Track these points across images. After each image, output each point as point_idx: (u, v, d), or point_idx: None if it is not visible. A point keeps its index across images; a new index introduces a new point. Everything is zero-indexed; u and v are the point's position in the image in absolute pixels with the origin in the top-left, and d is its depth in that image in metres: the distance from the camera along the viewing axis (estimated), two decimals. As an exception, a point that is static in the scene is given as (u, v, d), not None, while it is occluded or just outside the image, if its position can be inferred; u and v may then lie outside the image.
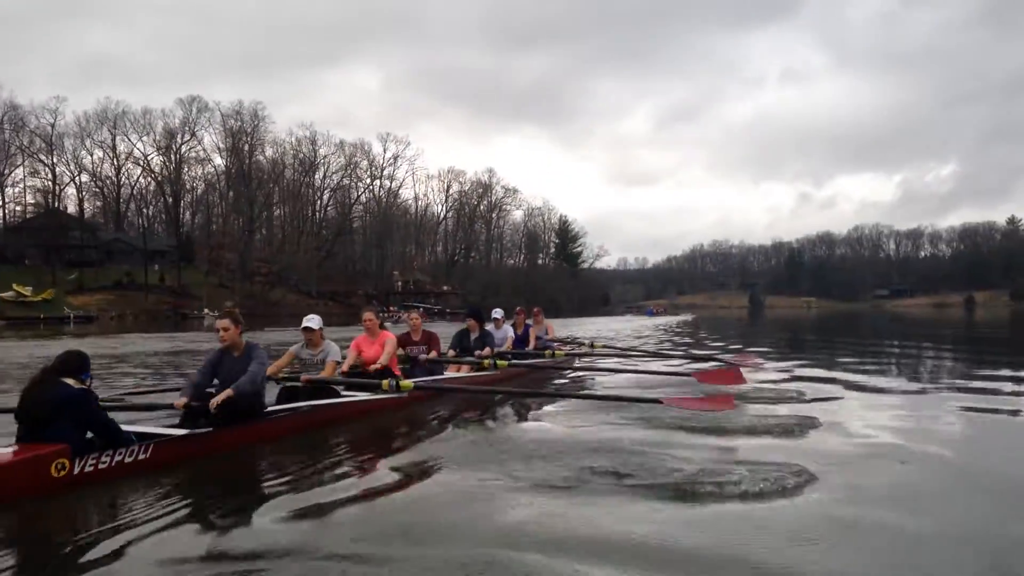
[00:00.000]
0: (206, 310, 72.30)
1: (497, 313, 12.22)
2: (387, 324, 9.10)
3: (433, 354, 9.86)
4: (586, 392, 9.25)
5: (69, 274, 79.02)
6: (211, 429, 5.77)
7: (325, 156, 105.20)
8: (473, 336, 11.06)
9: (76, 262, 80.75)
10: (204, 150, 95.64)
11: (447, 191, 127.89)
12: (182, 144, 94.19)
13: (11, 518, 4.26)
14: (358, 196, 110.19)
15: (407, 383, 7.34)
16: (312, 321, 7.61)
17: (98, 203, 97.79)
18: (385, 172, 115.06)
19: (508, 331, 12.10)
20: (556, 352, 12.05)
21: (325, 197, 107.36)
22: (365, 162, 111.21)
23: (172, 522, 4.14)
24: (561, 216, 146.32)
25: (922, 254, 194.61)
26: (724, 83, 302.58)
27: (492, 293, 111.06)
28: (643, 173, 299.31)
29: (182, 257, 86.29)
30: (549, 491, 4.67)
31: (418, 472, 5.40)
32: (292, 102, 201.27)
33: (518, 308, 13.51)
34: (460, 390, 8.54)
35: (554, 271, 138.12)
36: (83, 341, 26.85)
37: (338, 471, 5.48)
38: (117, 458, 5.00)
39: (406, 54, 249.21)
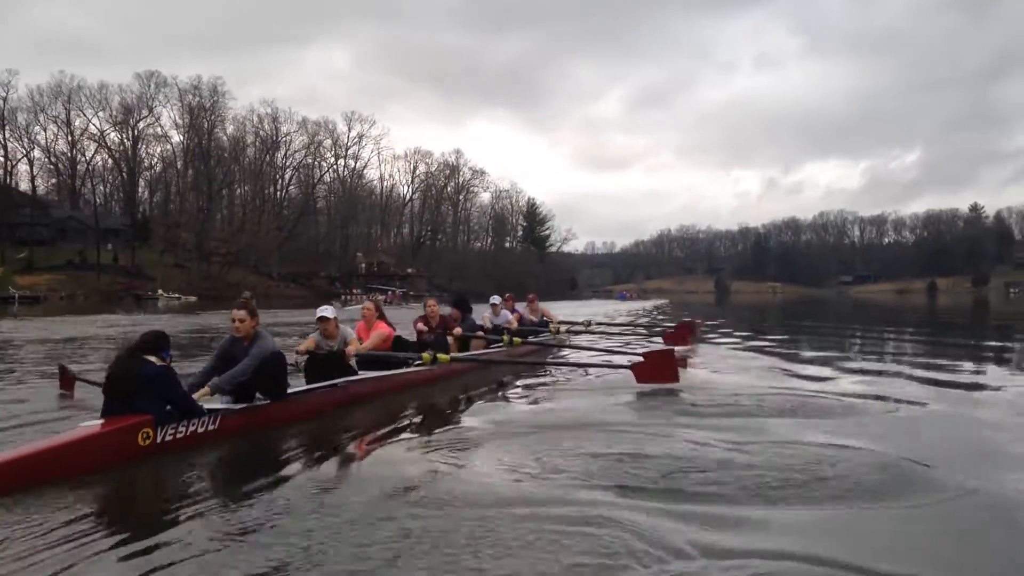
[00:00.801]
0: (160, 291, 70.24)
1: (495, 299, 12.83)
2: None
3: (457, 331, 10.39)
4: (573, 361, 10.12)
5: (19, 252, 76.32)
6: (269, 402, 6.19)
7: (287, 134, 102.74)
8: (493, 322, 11.92)
9: (27, 240, 78.07)
10: (162, 127, 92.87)
11: (413, 172, 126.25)
12: (139, 120, 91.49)
13: (105, 484, 4.49)
14: (321, 175, 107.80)
15: (444, 356, 8.16)
16: (327, 311, 7.81)
17: (52, 180, 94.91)
18: (350, 152, 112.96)
19: (507, 315, 12.72)
20: (558, 329, 13.78)
21: (287, 176, 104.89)
22: (329, 141, 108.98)
23: (240, 487, 4.40)
24: (529, 199, 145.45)
25: (886, 240, 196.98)
26: (697, 68, 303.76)
27: (459, 276, 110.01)
28: (613, 157, 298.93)
29: (138, 236, 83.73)
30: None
31: (448, 443, 5.66)
32: (261, 81, 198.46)
33: (507, 295, 14.20)
34: (489, 361, 9.52)
35: (521, 254, 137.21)
36: (15, 324, 25.30)
37: (372, 440, 5.93)
38: (191, 428, 5.37)
39: (378, 33, 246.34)
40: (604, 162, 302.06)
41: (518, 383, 9.08)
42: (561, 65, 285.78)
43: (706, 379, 8.99)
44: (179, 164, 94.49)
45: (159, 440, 5.12)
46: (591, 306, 51.94)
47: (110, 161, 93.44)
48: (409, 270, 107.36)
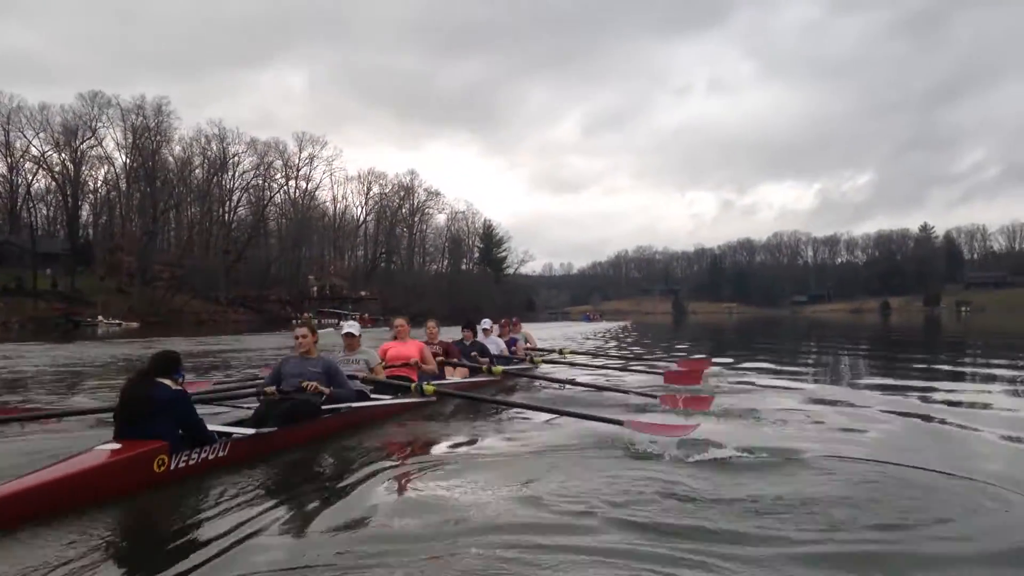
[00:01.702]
0: (100, 317, 66.98)
1: (486, 324, 12.89)
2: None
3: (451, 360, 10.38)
4: (562, 408, 8.52)
5: (-51, 278, 72.41)
6: (275, 429, 6.14)
7: (235, 155, 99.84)
8: (467, 344, 11.64)
9: (-41, 266, 74.12)
10: (103, 149, 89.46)
11: (367, 193, 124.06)
12: (82, 142, 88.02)
13: (120, 511, 4.45)
14: (271, 196, 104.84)
15: (430, 387, 7.97)
16: (352, 327, 8.33)
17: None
18: (301, 173, 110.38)
19: (499, 342, 12.79)
20: (535, 359, 13.41)
21: (236, 198, 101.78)
22: (279, 162, 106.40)
23: (252, 513, 4.42)
24: (485, 220, 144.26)
25: (839, 260, 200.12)
26: (653, 91, 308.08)
27: (415, 299, 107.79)
28: (571, 179, 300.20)
29: (80, 261, 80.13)
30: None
31: (447, 471, 5.58)
32: (214, 104, 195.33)
33: (503, 320, 14.60)
34: (474, 399, 8.88)
35: (478, 276, 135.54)
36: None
37: (378, 466, 5.79)
38: (203, 455, 5.30)
39: (333, 56, 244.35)
40: (562, 184, 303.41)
41: (513, 414, 8.61)
42: (518, 88, 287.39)
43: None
44: (123, 186, 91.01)
45: (172, 467, 5.07)
46: (558, 328, 50.70)
47: (55, 184, 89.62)
48: (363, 293, 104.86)
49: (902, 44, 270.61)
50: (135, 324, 64.74)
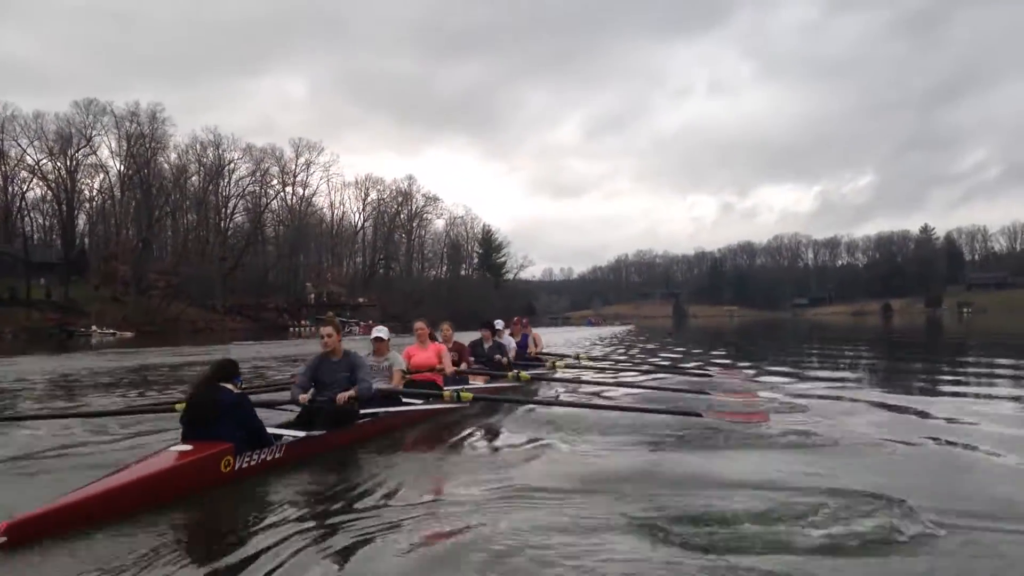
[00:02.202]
0: (94, 327, 66.24)
1: (499, 324, 12.73)
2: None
3: (464, 365, 10.44)
4: (627, 404, 8.82)
5: (-57, 290, 71.70)
6: (323, 432, 6.40)
7: (231, 161, 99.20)
8: (487, 345, 11.75)
9: (-48, 277, 73.38)
10: (98, 157, 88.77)
11: (365, 199, 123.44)
12: (78, 150, 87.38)
13: (191, 508, 4.70)
14: (267, 203, 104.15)
15: (467, 394, 7.89)
16: (382, 332, 8.52)
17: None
18: (298, 179, 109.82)
19: (510, 341, 12.71)
20: (555, 364, 13.37)
21: (231, 205, 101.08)
22: (276, 168, 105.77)
23: (310, 512, 4.68)
24: (484, 225, 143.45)
25: (839, 263, 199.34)
26: (653, 94, 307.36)
27: (413, 305, 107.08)
28: (571, 183, 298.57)
29: (75, 271, 79.44)
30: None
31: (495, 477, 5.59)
32: (212, 111, 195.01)
33: (515, 319, 14.52)
34: (513, 401, 9.30)
35: (477, 282, 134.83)
36: None
37: (420, 467, 6.15)
38: (262, 456, 5.62)
39: (333, 61, 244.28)
40: (562, 188, 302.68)
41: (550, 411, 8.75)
42: (517, 92, 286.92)
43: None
44: (117, 194, 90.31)
45: (237, 467, 5.32)
46: (563, 333, 50.06)
47: (50, 193, 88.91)
48: (361, 300, 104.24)
49: (901, 44, 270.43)
50: (129, 334, 64.00)
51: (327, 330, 7.23)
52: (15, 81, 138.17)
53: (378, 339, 8.43)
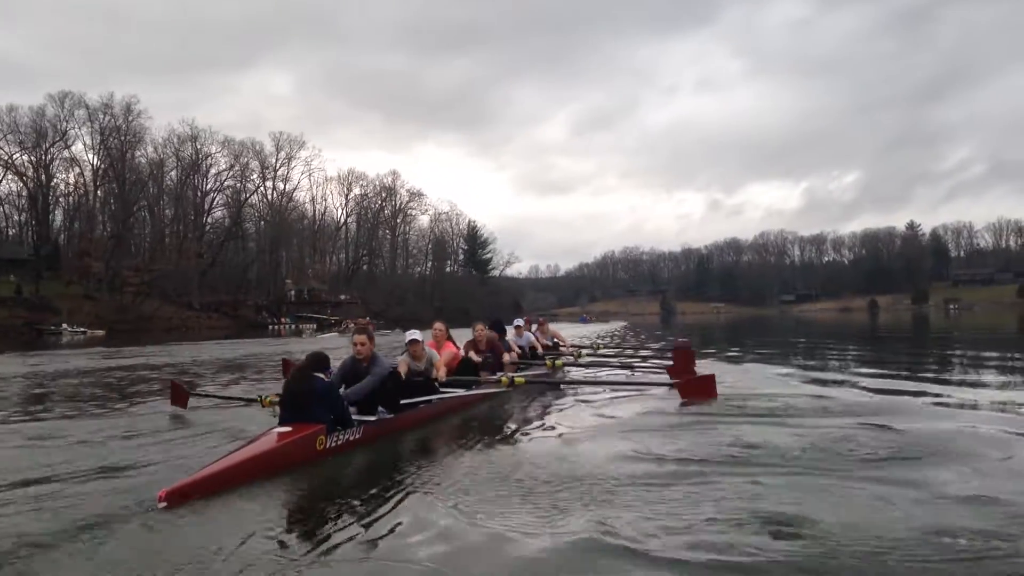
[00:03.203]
0: (64, 325, 64.44)
1: (519, 321, 13.69)
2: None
3: (506, 357, 11.13)
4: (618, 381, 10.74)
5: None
6: (392, 415, 7.32)
7: (208, 155, 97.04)
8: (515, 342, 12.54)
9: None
10: (71, 151, 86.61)
11: (347, 194, 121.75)
12: (52, 144, 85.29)
13: (296, 479, 5.42)
14: (247, 198, 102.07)
15: (520, 379, 9.38)
16: (416, 335, 8.91)
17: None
18: (279, 173, 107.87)
19: (530, 337, 13.50)
20: (577, 353, 14.70)
21: (208, 201, 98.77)
22: (256, 162, 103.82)
23: (389, 483, 5.32)
24: (470, 221, 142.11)
25: (825, 259, 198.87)
26: (642, 91, 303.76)
27: (397, 302, 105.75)
28: (558, 181, 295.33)
29: (48, 267, 77.48)
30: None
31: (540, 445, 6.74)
32: (199, 107, 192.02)
33: (527, 317, 15.64)
34: (554, 383, 10.76)
35: (463, 278, 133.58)
36: None
37: (475, 442, 7.01)
38: (347, 436, 6.42)
39: (321, 58, 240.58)
40: (550, 186, 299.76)
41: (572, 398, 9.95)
42: (506, 89, 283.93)
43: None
44: (91, 189, 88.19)
45: (328, 446, 6.13)
46: (562, 329, 48.80)
47: (25, 188, 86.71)
48: (343, 296, 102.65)
49: (891, 41, 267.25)
50: (101, 332, 62.34)
51: (360, 338, 7.65)
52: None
53: (413, 341, 8.81)
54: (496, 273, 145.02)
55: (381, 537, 4.06)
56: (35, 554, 3.79)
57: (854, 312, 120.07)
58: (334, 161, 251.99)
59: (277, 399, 7.35)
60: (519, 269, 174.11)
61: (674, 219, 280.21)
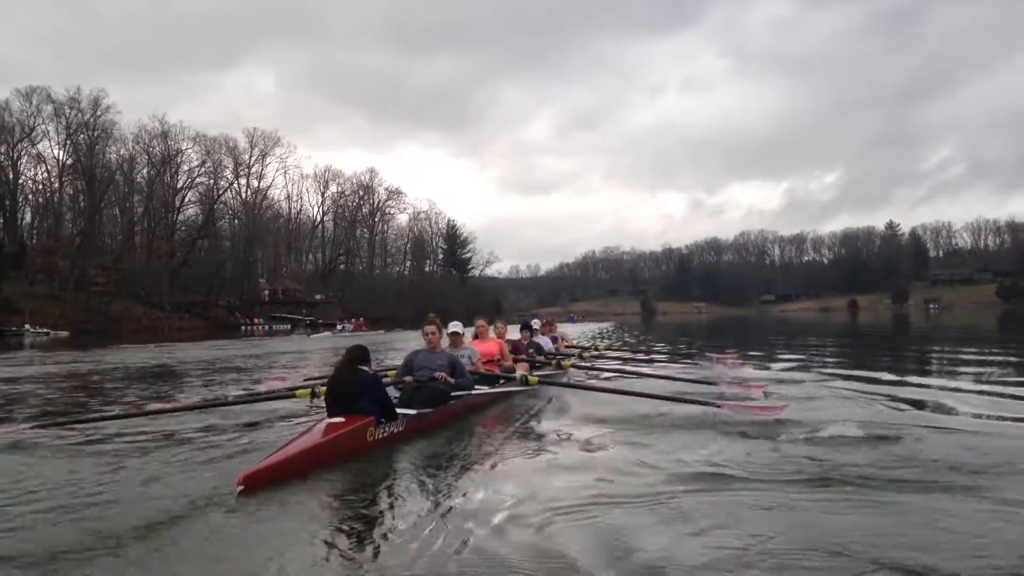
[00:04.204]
0: (27, 326, 62.28)
1: (536, 323, 13.93)
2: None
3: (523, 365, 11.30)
4: (656, 392, 9.42)
5: None
6: (431, 409, 7.40)
7: (180, 152, 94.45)
8: (525, 343, 12.39)
9: None
10: (36, 147, 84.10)
11: (324, 192, 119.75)
12: (19, 140, 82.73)
13: (349, 468, 5.67)
14: (219, 195, 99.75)
15: (533, 379, 9.52)
16: (457, 327, 9.25)
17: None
18: (253, 170, 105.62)
19: (547, 340, 13.69)
20: (583, 354, 14.38)
21: (179, 199, 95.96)
22: (229, 159, 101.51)
23: (436, 473, 5.65)
24: (449, 220, 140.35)
25: (805, 259, 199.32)
26: (626, 91, 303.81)
27: (374, 301, 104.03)
28: (542, 180, 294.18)
29: (14, 266, 75.13)
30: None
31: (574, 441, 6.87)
32: (179, 106, 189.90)
33: (547, 318, 16.26)
34: (569, 385, 10.41)
35: (442, 278, 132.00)
36: None
37: (514, 436, 7.26)
38: (392, 428, 6.56)
39: (304, 56, 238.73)
40: (533, 186, 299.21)
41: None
42: (490, 88, 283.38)
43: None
44: (56, 185, 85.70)
45: (376, 437, 6.30)
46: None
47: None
48: (318, 296, 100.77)
49: (874, 41, 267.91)
50: (65, 333, 60.30)
51: (430, 328, 8.25)
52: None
53: (455, 333, 9.16)
54: (476, 273, 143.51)
55: (453, 525, 4.22)
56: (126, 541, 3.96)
57: (834, 312, 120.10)
58: (310, 158, 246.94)
59: (308, 390, 7.97)
60: (499, 269, 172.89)
61: (656, 219, 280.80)
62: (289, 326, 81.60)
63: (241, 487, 4.80)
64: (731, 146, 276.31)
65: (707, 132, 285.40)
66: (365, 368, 6.51)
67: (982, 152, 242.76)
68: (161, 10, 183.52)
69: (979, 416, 7.95)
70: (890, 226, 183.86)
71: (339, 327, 56.28)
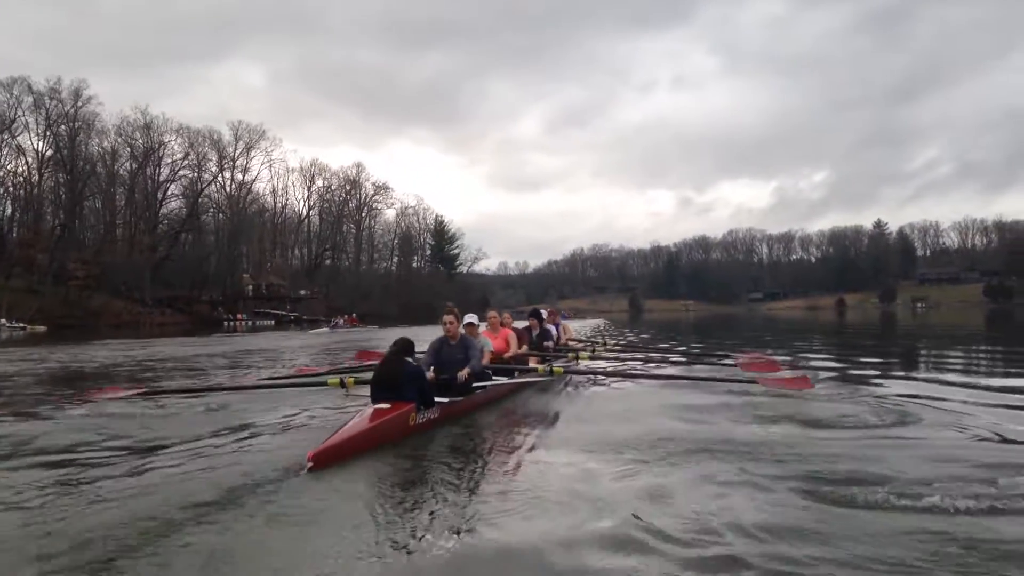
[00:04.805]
0: (3, 320, 61.05)
1: (544, 313, 13.62)
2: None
3: (524, 348, 11.35)
4: (684, 374, 10.47)
5: None
6: (461, 398, 7.88)
7: (162, 145, 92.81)
8: (535, 333, 12.50)
9: None
10: (16, 139, 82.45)
11: (310, 186, 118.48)
12: (2, 131, 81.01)
13: (397, 449, 6.12)
14: (202, 188, 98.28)
15: (559, 368, 9.71)
16: (473, 318, 9.35)
17: None
18: (237, 164, 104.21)
19: (553, 329, 13.52)
20: (596, 350, 14.51)
21: (162, 192, 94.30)
22: (214, 152, 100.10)
23: (473, 455, 6.26)
24: (437, 216, 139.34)
25: (793, 257, 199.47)
26: (616, 88, 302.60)
27: (361, 297, 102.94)
28: (531, 177, 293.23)
29: (-7, 259, 73.70)
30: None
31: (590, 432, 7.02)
32: (168, 100, 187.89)
33: (550, 309, 15.90)
34: (594, 372, 10.97)
35: (430, 274, 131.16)
36: None
37: (547, 417, 8.00)
38: (429, 415, 7.02)
39: (294, 51, 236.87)
40: (522, 182, 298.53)
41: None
42: (480, 85, 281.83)
43: None
44: (37, 178, 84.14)
45: (417, 422, 6.75)
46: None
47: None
48: (303, 292, 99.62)
49: (865, 40, 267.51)
50: (42, 327, 59.07)
51: (449, 318, 8.40)
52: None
53: (470, 324, 9.16)
54: (464, 269, 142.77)
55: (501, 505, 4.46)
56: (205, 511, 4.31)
57: (822, 310, 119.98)
58: (296, 152, 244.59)
59: (337, 379, 8.45)
60: (487, 265, 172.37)
61: (645, 217, 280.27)
62: (273, 322, 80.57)
63: (311, 463, 5.29)
64: (721, 144, 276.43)
65: (697, 130, 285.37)
66: (409, 359, 6.97)
67: (970, 152, 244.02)
68: (150, 5, 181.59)
69: (966, 402, 8.27)
70: (878, 225, 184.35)
71: (333, 323, 57.09)
